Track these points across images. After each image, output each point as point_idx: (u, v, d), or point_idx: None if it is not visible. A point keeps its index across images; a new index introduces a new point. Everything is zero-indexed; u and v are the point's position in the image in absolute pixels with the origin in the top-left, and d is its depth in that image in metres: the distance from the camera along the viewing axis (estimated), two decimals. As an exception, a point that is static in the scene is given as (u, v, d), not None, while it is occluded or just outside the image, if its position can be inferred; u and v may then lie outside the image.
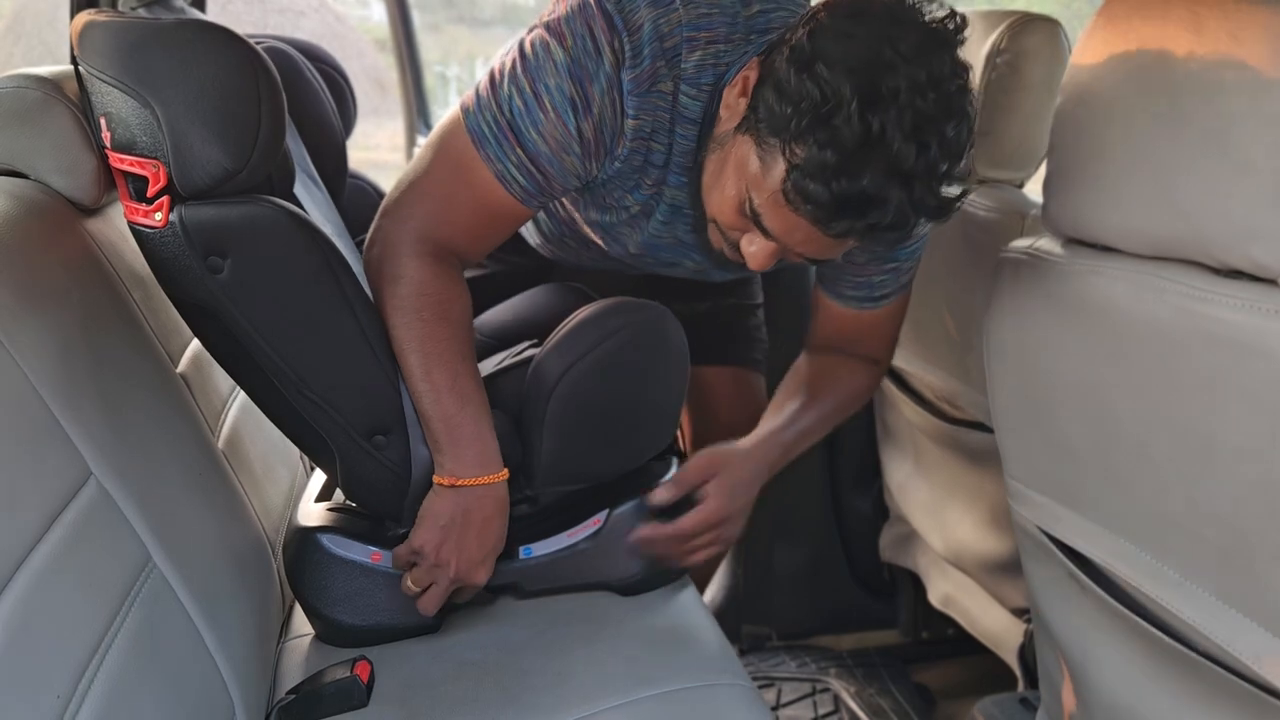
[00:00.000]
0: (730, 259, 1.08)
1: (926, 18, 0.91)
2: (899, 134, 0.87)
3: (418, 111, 2.67)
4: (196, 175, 0.98)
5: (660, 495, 1.17)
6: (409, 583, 1.11)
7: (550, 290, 1.44)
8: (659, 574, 1.23)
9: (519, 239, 1.48)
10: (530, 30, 1.07)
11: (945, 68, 0.90)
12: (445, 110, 1.16)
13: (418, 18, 2.66)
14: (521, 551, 1.19)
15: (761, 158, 0.95)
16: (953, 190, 0.95)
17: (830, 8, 0.93)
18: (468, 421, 1.07)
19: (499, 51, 1.32)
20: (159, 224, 1.01)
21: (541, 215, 1.37)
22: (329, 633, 1.17)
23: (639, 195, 1.14)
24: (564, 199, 1.22)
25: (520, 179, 1.06)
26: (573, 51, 1.02)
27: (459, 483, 1.07)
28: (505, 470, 1.09)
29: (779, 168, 0.93)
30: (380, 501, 1.13)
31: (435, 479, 1.08)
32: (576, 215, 1.24)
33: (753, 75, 0.98)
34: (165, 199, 1.00)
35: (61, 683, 0.73)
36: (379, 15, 2.66)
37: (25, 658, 0.71)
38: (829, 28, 0.90)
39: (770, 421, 1.24)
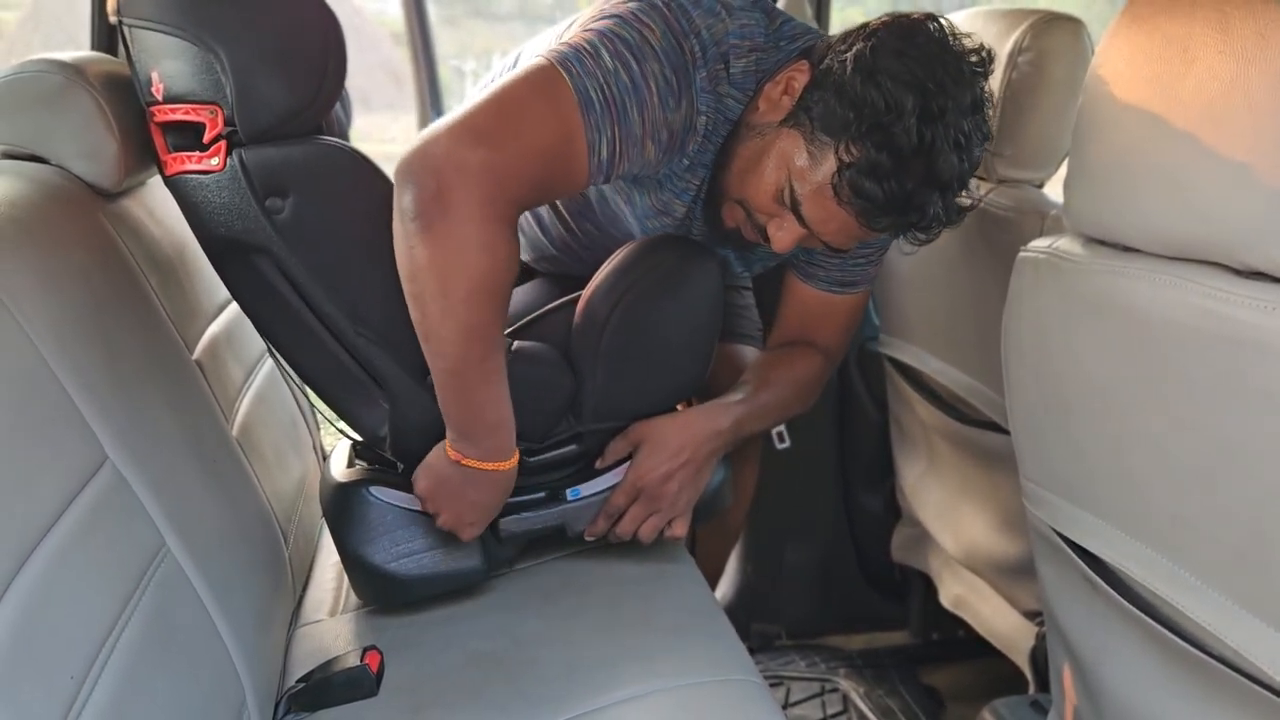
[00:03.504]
0: (747, 238, 1.14)
1: (967, 48, 1.02)
2: (945, 147, 0.98)
3: (431, 106, 2.67)
4: (261, 115, 1.00)
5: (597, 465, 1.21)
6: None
7: (553, 279, 1.46)
8: (699, 512, 1.25)
9: None
10: (597, 19, 1.06)
11: (981, 95, 1.02)
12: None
13: (435, 12, 2.66)
14: (569, 494, 1.20)
15: (811, 153, 1.03)
16: (966, 200, 1.07)
17: (888, 28, 1.02)
18: (491, 408, 1.06)
19: (527, 45, 1.32)
20: (217, 168, 1.02)
21: (532, 229, 1.39)
22: (376, 585, 1.17)
23: (685, 198, 1.18)
24: (620, 198, 1.23)
25: (604, 155, 1.03)
26: (663, 42, 1.03)
27: (465, 462, 1.08)
28: (515, 456, 1.10)
29: (829, 164, 1.01)
30: (429, 447, 1.13)
31: (447, 446, 1.09)
32: (625, 212, 1.24)
33: (800, 76, 1.05)
34: (222, 143, 1.01)
35: (76, 664, 0.74)
36: (396, 8, 2.67)
37: (41, 638, 0.71)
38: (889, 46, 1.00)
39: (721, 398, 1.26)
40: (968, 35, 1.03)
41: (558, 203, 1.32)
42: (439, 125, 0.98)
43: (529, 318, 1.23)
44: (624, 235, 1.28)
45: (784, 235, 1.08)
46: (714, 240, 1.22)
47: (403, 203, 0.97)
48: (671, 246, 1.18)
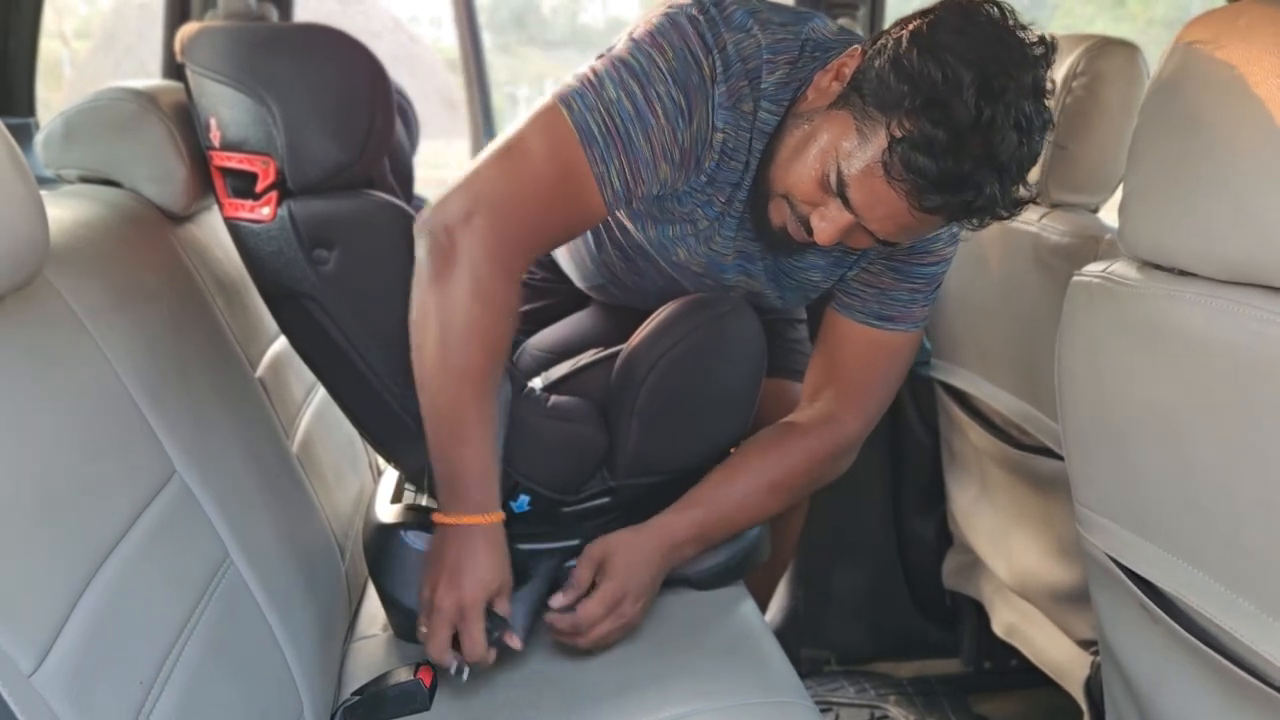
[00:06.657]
0: (792, 235, 1.11)
1: (1030, 34, 1.00)
2: (1005, 125, 0.95)
3: (485, 131, 2.71)
4: (309, 169, 1.03)
5: (559, 600, 1.14)
6: (421, 628, 1.06)
7: (606, 309, 1.48)
8: (735, 568, 1.24)
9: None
10: (617, 45, 1.10)
11: (1043, 80, 0.99)
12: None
13: (490, 39, 2.71)
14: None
15: (861, 130, 1.00)
16: (1024, 192, 1.04)
17: (947, 7, 1.00)
18: (479, 456, 1.05)
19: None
20: (266, 218, 1.06)
21: (579, 255, 1.40)
22: (409, 626, 1.18)
23: (710, 211, 1.18)
24: (623, 218, 1.24)
25: (616, 183, 1.07)
26: (674, 62, 1.06)
27: (462, 520, 1.04)
28: (500, 514, 1.07)
29: (879, 140, 0.99)
30: None
31: (436, 519, 1.06)
32: (631, 229, 1.24)
33: (852, 61, 1.04)
34: (273, 194, 1.05)
35: (145, 670, 0.76)
36: (451, 36, 2.72)
37: (113, 644, 0.73)
38: (948, 23, 0.98)
39: (684, 499, 1.20)
40: (1031, 24, 1.00)
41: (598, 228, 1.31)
42: (454, 182, 1.05)
43: (566, 371, 1.24)
44: (655, 255, 1.27)
45: (828, 225, 1.05)
46: (749, 249, 1.22)
47: (418, 255, 1.05)
48: (710, 307, 1.18)
